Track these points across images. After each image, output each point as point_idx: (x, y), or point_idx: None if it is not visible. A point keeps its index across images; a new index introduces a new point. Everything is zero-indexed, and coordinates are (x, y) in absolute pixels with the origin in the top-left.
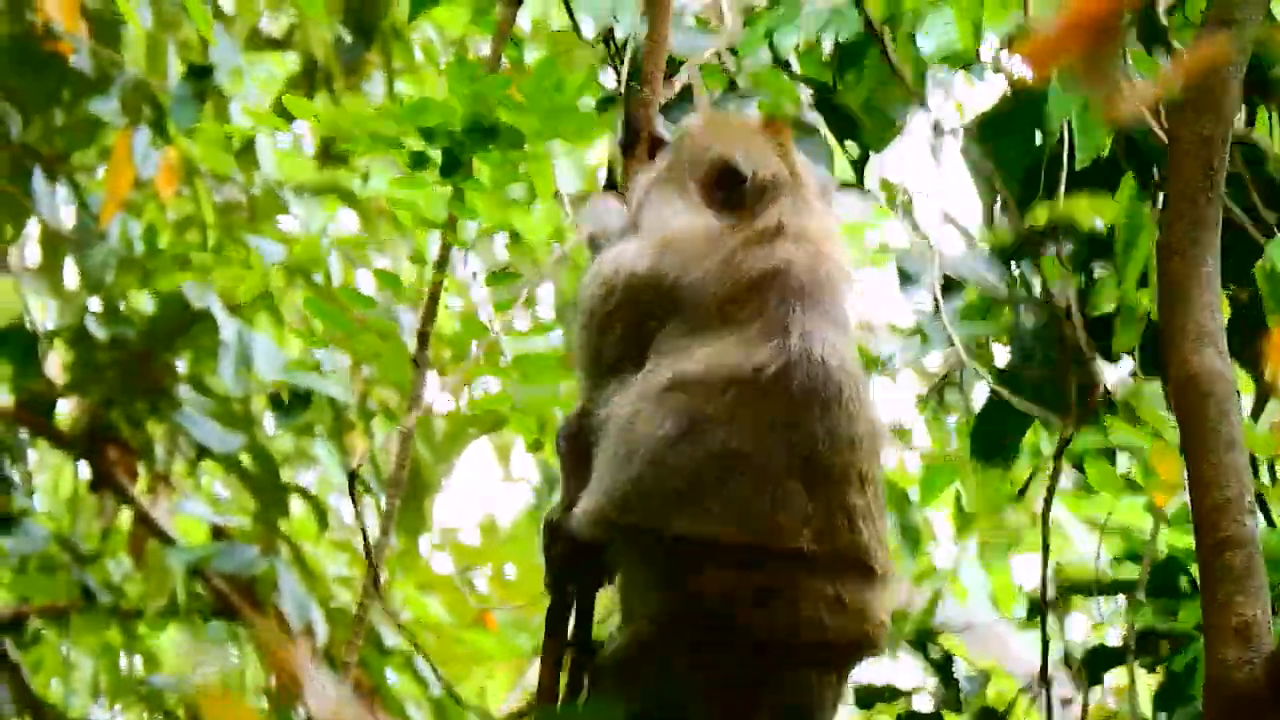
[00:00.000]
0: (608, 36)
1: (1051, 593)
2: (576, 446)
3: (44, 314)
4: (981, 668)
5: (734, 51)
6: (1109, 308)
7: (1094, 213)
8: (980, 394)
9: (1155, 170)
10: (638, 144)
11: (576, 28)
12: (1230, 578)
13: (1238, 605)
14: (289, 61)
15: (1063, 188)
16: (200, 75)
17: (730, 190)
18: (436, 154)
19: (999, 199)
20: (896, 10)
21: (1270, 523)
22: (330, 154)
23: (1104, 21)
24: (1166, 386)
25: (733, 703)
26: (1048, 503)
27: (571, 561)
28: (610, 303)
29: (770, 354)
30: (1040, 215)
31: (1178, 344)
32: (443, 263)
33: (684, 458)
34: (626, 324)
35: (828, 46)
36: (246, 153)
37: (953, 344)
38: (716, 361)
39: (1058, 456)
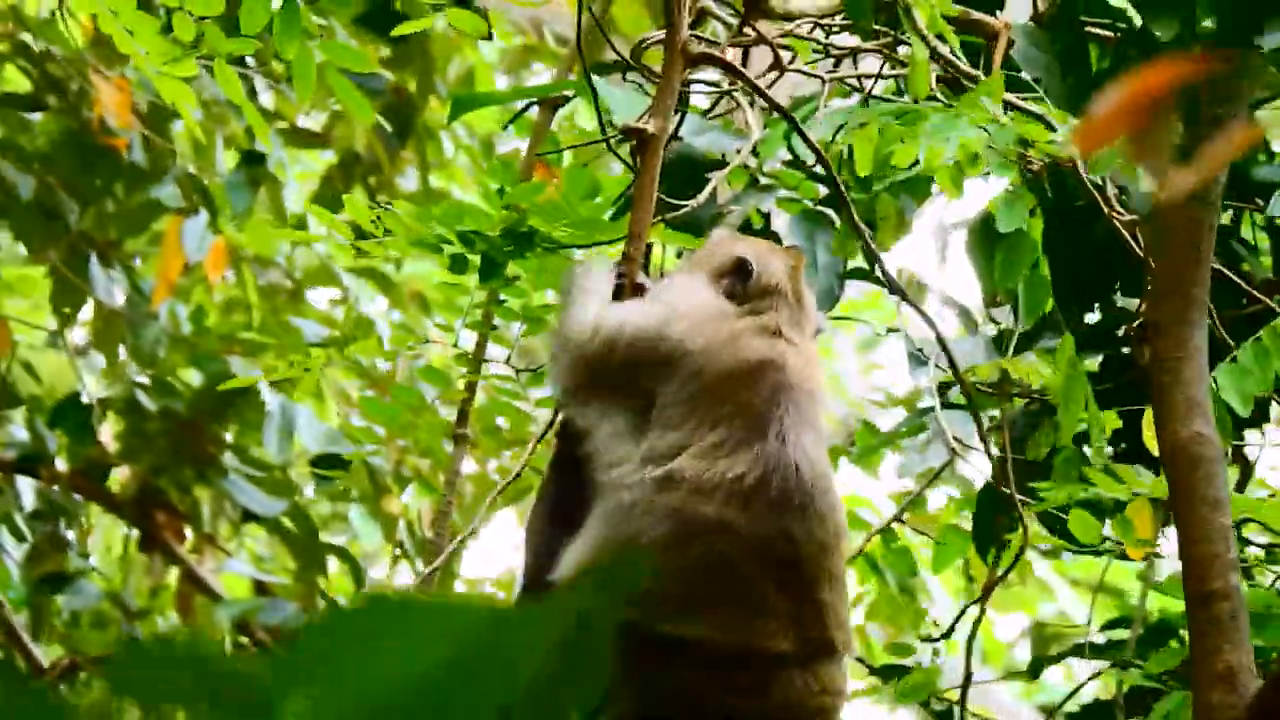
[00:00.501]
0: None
1: (1033, 649)
2: (561, 479)
3: (97, 388)
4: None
5: (755, 152)
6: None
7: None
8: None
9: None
10: (623, 296)
11: (603, 129)
12: (1217, 628)
13: (1224, 653)
14: (325, 158)
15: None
16: (253, 162)
17: (740, 282)
18: (475, 257)
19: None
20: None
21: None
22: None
23: (1157, 103)
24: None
25: None
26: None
27: None
28: (614, 355)
29: (748, 460)
30: (983, 371)
31: (1168, 414)
32: (479, 358)
33: (677, 562)
34: (625, 367)
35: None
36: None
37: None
38: (705, 464)
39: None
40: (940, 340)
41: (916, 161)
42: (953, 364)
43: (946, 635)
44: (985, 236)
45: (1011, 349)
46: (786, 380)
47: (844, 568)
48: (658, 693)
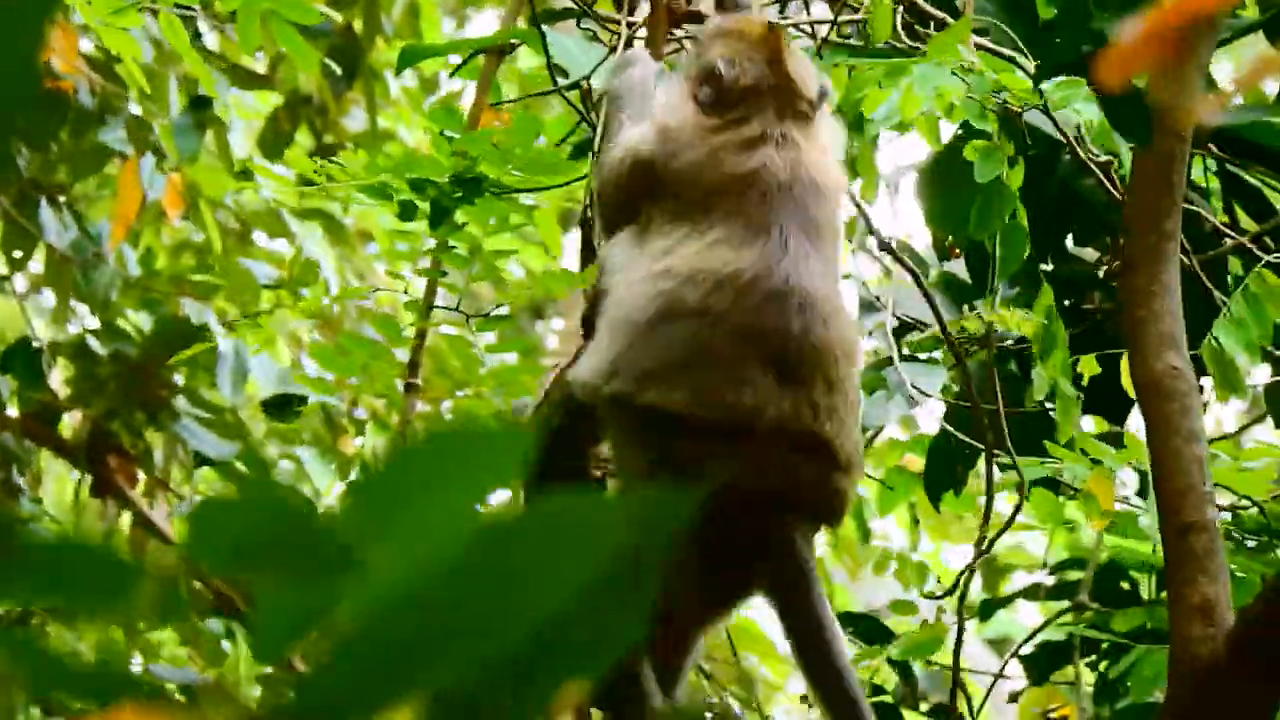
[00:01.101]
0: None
1: (984, 584)
2: (591, 317)
3: (47, 332)
4: (940, 664)
5: None
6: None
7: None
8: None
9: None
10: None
11: (554, 78)
12: (1192, 560)
13: (1200, 585)
14: (272, 100)
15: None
16: (200, 106)
17: (715, 90)
18: (424, 204)
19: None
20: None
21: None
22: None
23: (1184, 33)
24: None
25: (717, 557)
26: (982, 539)
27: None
28: (620, 181)
29: (749, 259)
30: (970, 324)
31: (1141, 349)
32: (429, 303)
33: (659, 340)
34: (630, 197)
35: None
36: (244, 178)
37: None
38: (701, 260)
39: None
40: (926, 293)
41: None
42: (937, 315)
43: (950, 593)
44: (938, 181)
45: (996, 298)
46: (773, 186)
47: (851, 385)
48: (658, 458)
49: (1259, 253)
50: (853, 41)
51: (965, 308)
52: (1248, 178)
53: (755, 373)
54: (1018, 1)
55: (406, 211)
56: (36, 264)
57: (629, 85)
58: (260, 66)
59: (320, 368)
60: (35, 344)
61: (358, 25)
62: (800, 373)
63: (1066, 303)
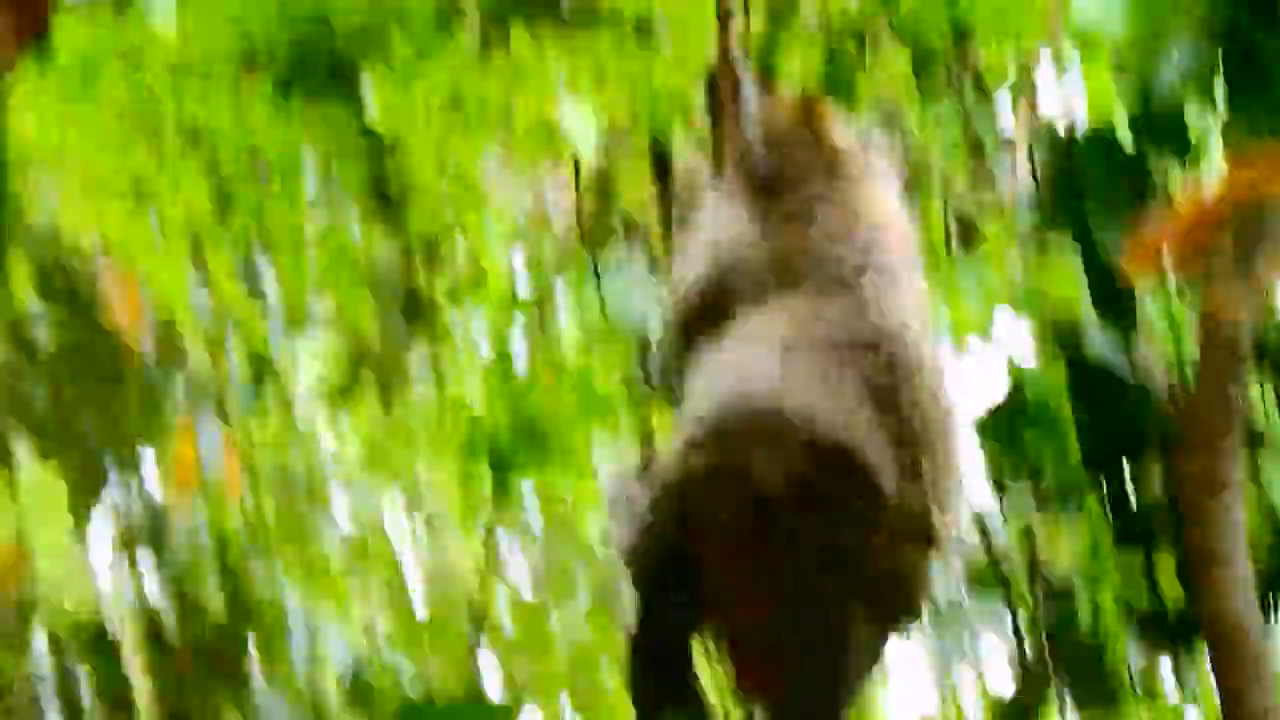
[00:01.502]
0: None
1: None
2: None
3: (118, 599)
4: None
5: None
6: None
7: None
8: None
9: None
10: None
11: (609, 323)
12: None
13: None
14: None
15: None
16: (259, 364)
17: (759, 182)
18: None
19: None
20: None
21: None
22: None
23: (1210, 221)
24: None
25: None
26: None
27: None
28: (681, 316)
29: (868, 327)
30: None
31: (1207, 591)
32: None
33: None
34: (699, 325)
35: None
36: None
37: None
38: (817, 329)
39: None
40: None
41: None
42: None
43: None
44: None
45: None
46: (856, 259)
47: (954, 458)
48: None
49: None
50: None
51: None
52: None
53: (876, 432)
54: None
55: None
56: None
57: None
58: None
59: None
60: (108, 626)
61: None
62: (912, 439)
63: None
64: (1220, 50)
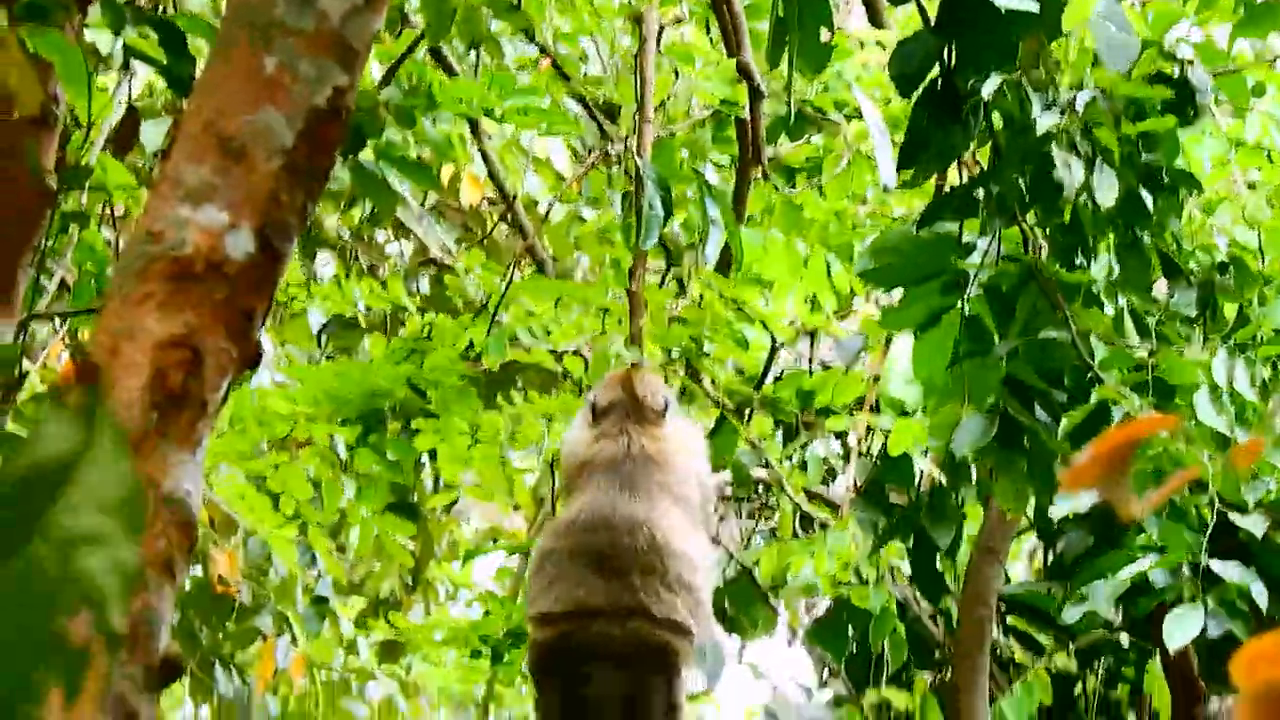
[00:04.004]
0: None
1: None
2: None
3: None
4: None
5: None
6: None
7: (901, 699)
8: None
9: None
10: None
11: None
12: None
13: None
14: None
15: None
16: (320, 602)
17: (592, 412)
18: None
19: (829, 671)
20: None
21: None
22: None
23: (1122, 454)
24: None
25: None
26: None
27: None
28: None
29: (576, 510)
30: (871, 695)
31: None
32: None
33: (541, 571)
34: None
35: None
36: (350, 648)
37: None
38: (561, 516)
39: None
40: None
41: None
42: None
43: None
44: (821, 634)
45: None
46: (603, 465)
47: (668, 565)
48: (532, 651)
49: (1023, 665)
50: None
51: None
52: (1019, 624)
53: (590, 576)
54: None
55: (475, 654)
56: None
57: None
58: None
59: None
60: None
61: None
62: (618, 567)
63: None
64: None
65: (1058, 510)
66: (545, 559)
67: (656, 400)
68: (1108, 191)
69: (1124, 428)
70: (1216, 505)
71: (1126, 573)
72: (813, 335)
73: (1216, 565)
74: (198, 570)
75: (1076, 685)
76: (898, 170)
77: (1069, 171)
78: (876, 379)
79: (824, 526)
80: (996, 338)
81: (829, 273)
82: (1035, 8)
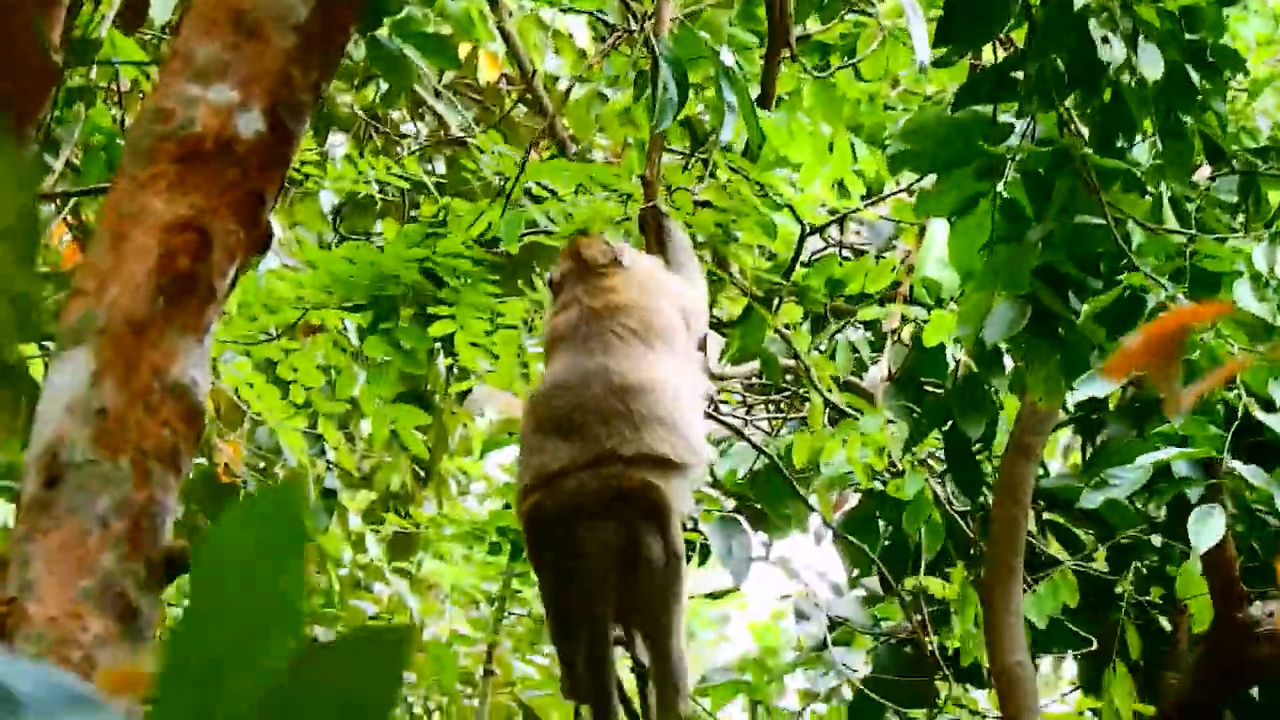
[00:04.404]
0: None
1: None
2: None
3: None
4: None
5: None
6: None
7: (939, 589)
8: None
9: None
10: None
11: None
12: None
13: None
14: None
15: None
16: (329, 495)
17: (552, 292)
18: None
19: (860, 568)
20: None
21: None
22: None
23: (1171, 340)
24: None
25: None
26: None
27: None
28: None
29: (538, 387)
30: (909, 582)
31: (997, 646)
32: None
33: (519, 459)
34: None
35: (743, 472)
36: (359, 543)
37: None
38: (529, 398)
39: None
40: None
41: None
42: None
43: None
44: (854, 528)
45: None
46: (561, 336)
47: (632, 404)
48: (536, 531)
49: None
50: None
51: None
52: (1059, 520)
53: (552, 441)
54: (911, 404)
55: (494, 549)
56: None
57: None
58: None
59: None
60: None
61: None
62: (576, 423)
63: None
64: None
65: (1080, 395)
66: (521, 440)
67: (603, 255)
68: (1152, 66)
69: (1174, 315)
70: (1244, 400)
71: (1145, 459)
72: (842, 220)
73: (1239, 467)
74: (202, 460)
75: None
76: (932, 47)
77: (1109, 48)
78: (911, 269)
79: (857, 416)
80: (1033, 223)
81: (855, 156)
82: None
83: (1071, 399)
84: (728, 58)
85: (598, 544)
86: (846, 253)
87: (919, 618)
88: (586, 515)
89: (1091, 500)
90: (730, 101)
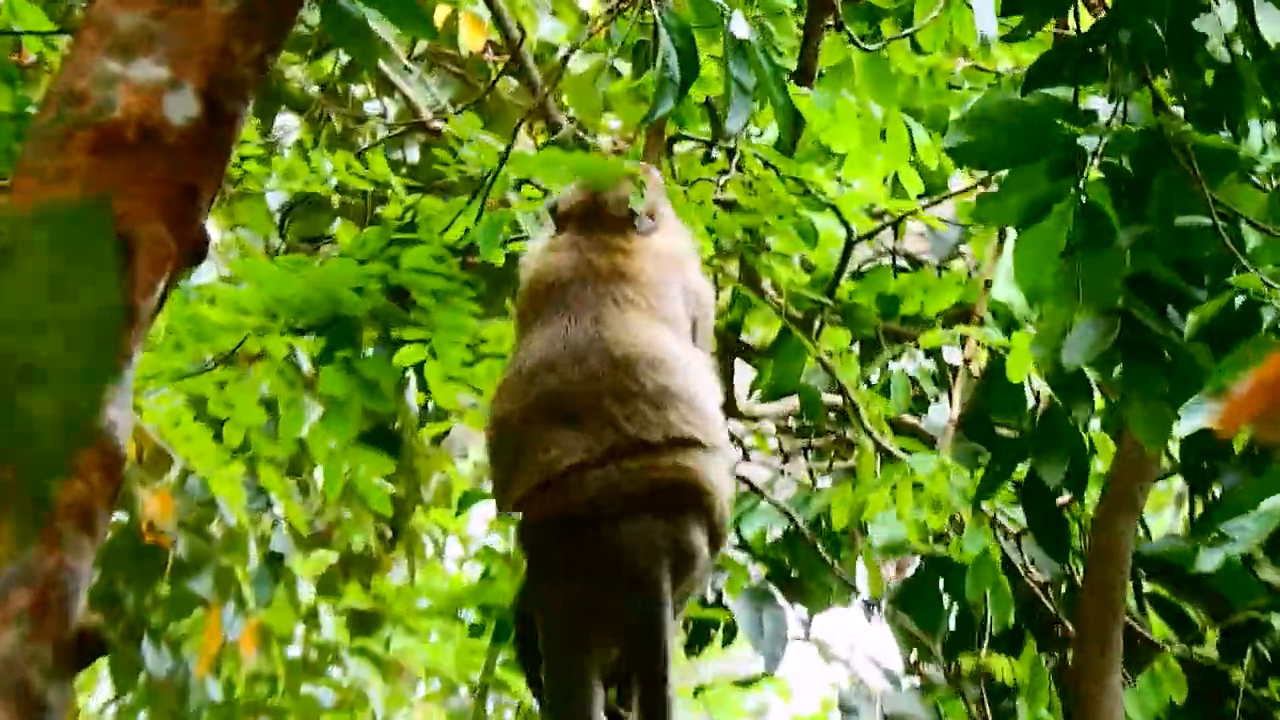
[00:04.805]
0: None
1: None
2: None
3: None
4: None
5: None
6: None
7: (1005, 670)
8: None
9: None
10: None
11: None
12: None
13: None
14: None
15: (985, 645)
16: (273, 560)
17: (553, 218)
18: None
19: (919, 650)
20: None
21: None
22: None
23: None
24: None
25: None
26: None
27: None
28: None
29: (518, 362)
30: (966, 663)
31: None
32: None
33: (500, 449)
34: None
35: (776, 533)
36: (312, 618)
37: None
38: (505, 375)
39: None
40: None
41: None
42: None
43: None
44: (910, 601)
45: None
46: (568, 280)
47: (644, 378)
48: (521, 532)
49: (1164, 646)
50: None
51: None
52: (1162, 592)
53: (551, 430)
54: (982, 447)
55: (474, 631)
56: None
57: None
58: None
59: None
60: None
61: (401, 492)
62: (583, 404)
63: None
64: (1119, 330)
65: (1184, 428)
66: (499, 430)
67: (621, 205)
68: (1274, 27)
69: None
70: None
71: (1270, 503)
72: (897, 224)
73: None
74: (122, 515)
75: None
76: (1000, 16)
77: (1215, 12)
78: (988, 284)
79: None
80: (1119, 229)
81: (913, 145)
82: None
83: (1176, 438)
84: (740, 27)
85: (643, 546)
86: (902, 263)
87: (979, 706)
88: (619, 515)
89: (1208, 561)
90: (740, 80)
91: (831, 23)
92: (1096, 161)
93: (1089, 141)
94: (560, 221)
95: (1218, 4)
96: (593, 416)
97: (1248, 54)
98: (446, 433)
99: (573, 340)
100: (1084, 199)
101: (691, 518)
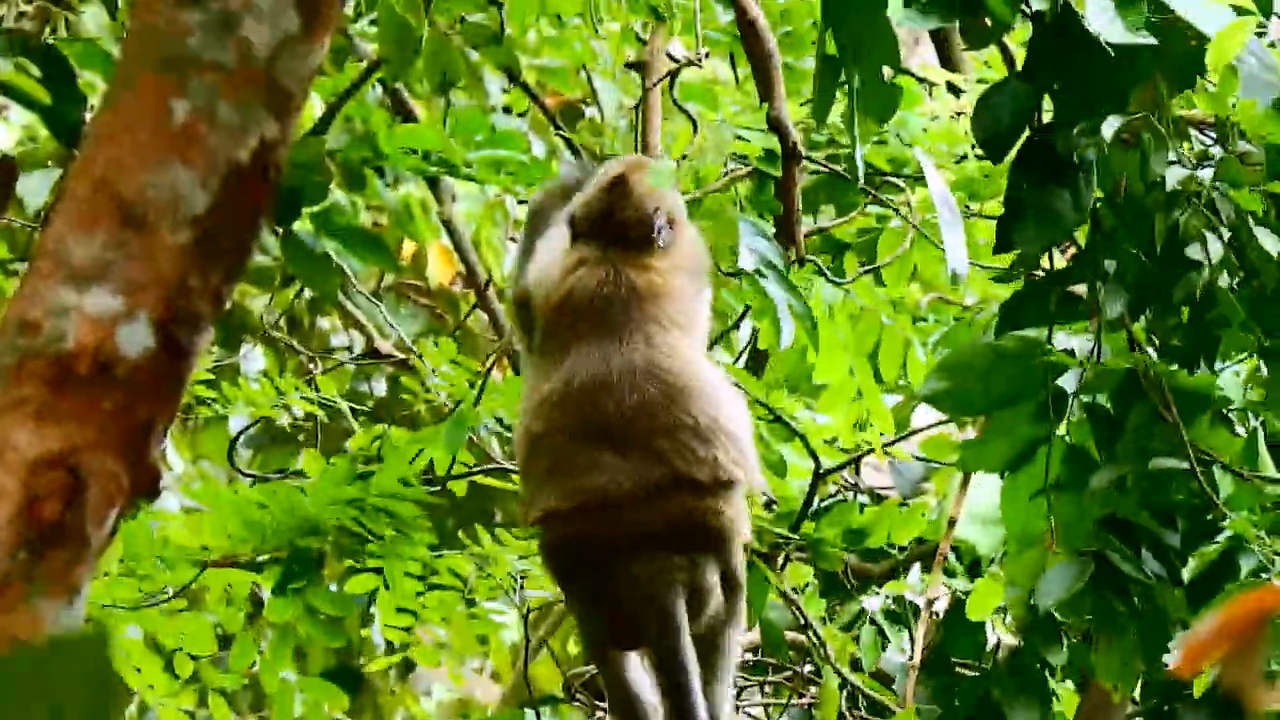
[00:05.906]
0: None
1: None
2: None
3: None
4: None
5: None
6: None
7: None
8: None
9: None
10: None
11: None
12: None
13: None
14: None
15: None
16: None
17: (571, 222)
18: None
19: None
20: None
21: None
22: None
23: (1252, 628)
24: None
25: (605, 606)
26: None
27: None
28: (518, 308)
29: (564, 377)
30: None
31: None
32: None
33: (533, 459)
34: (518, 323)
35: None
36: None
37: None
38: (542, 388)
39: None
40: None
41: None
42: None
43: None
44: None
45: None
46: (601, 297)
47: (695, 412)
48: (547, 554)
49: None
50: None
51: None
52: None
53: (595, 453)
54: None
55: None
56: None
57: (549, 204)
58: None
59: None
60: None
61: None
62: (631, 433)
63: None
64: (1091, 572)
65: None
66: (536, 443)
67: (646, 222)
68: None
69: (1260, 592)
70: None
71: None
72: (858, 459)
73: None
74: None
75: None
76: (995, 253)
77: (1204, 245)
78: (952, 522)
79: (878, 711)
80: (1100, 468)
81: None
82: (1154, 41)
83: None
84: (762, 245)
85: (662, 580)
86: (863, 498)
87: None
88: (646, 547)
89: None
90: (779, 300)
91: (795, 259)
92: (1076, 405)
93: (1069, 382)
94: (579, 230)
95: (1205, 240)
96: (643, 445)
97: (1234, 285)
98: (412, 667)
99: (626, 364)
100: (1068, 440)
101: (712, 557)
